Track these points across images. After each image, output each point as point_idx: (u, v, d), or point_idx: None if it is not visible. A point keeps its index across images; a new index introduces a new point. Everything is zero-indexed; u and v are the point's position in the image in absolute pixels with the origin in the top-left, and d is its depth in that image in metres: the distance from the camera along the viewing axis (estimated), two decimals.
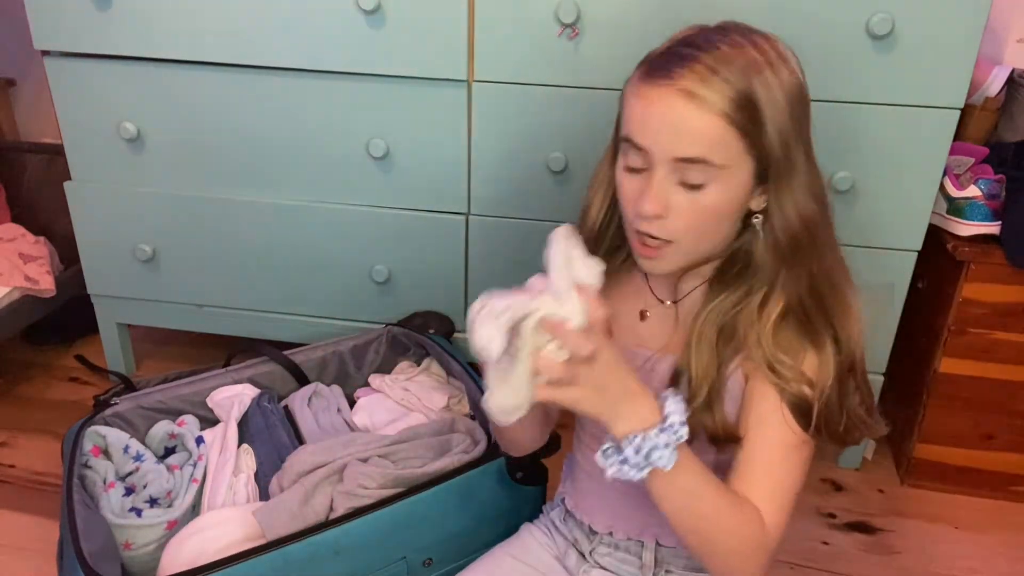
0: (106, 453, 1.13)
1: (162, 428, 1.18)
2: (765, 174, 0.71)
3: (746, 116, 0.67)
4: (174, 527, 1.04)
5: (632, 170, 0.72)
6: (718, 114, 0.67)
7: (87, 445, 1.11)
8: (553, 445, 0.99)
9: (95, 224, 1.46)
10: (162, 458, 1.16)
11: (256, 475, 1.12)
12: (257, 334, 1.50)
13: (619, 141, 0.75)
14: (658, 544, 0.86)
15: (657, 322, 0.81)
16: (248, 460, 1.14)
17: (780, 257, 0.73)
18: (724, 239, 0.75)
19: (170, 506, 1.07)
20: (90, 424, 1.12)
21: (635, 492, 0.84)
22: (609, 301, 0.78)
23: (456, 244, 1.35)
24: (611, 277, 0.82)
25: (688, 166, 0.68)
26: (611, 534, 0.88)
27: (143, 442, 1.17)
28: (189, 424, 1.18)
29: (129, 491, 1.09)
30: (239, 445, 1.16)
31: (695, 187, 0.69)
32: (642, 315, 0.82)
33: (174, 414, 1.20)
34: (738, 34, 0.70)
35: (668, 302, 0.80)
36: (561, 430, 0.93)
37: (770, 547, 0.72)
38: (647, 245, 0.73)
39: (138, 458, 1.13)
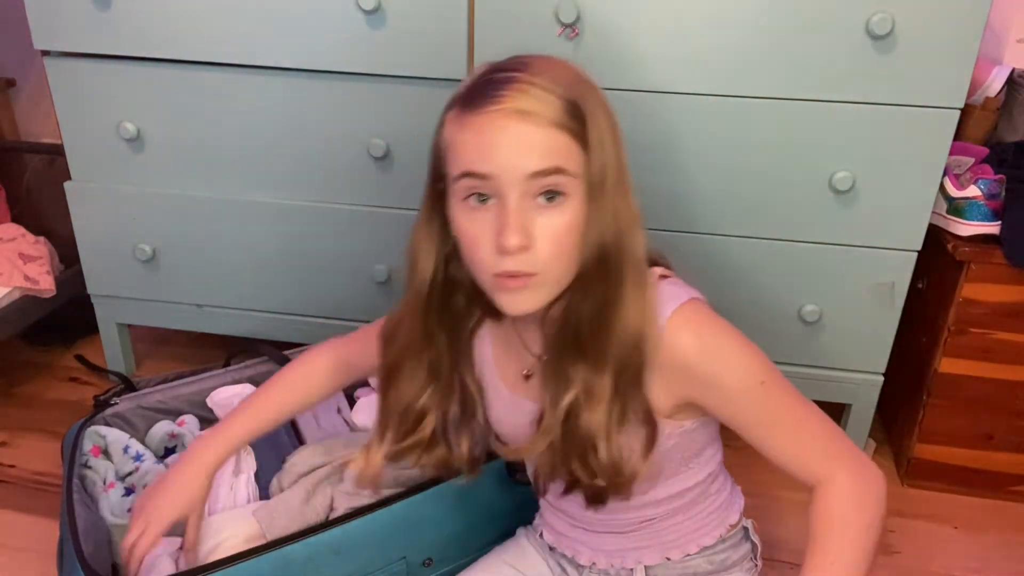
0: (106, 453, 1.13)
1: (162, 428, 1.18)
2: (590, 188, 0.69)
3: (576, 121, 0.66)
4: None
5: (476, 208, 0.68)
6: (552, 124, 0.65)
7: (87, 445, 1.11)
8: None
9: (95, 224, 1.46)
10: (162, 458, 1.16)
11: (256, 475, 1.12)
12: (257, 334, 1.50)
13: (446, 185, 0.71)
14: (646, 566, 0.86)
15: (539, 378, 0.78)
16: (248, 460, 1.14)
17: (594, 270, 0.70)
18: (575, 263, 0.70)
19: None
20: (90, 424, 1.13)
21: (605, 527, 0.85)
22: (501, 366, 0.81)
23: None
24: (497, 337, 0.82)
25: (543, 179, 0.65)
26: (595, 564, 0.88)
27: (143, 442, 1.17)
28: (189, 424, 1.18)
29: (129, 491, 1.10)
30: None
31: (553, 203, 0.66)
32: (526, 376, 0.81)
33: (174, 414, 1.21)
34: (536, 56, 0.70)
35: (545, 357, 0.77)
36: None
37: (867, 486, 0.72)
38: (510, 281, 0.68)
39: (138, 458, 1.13)
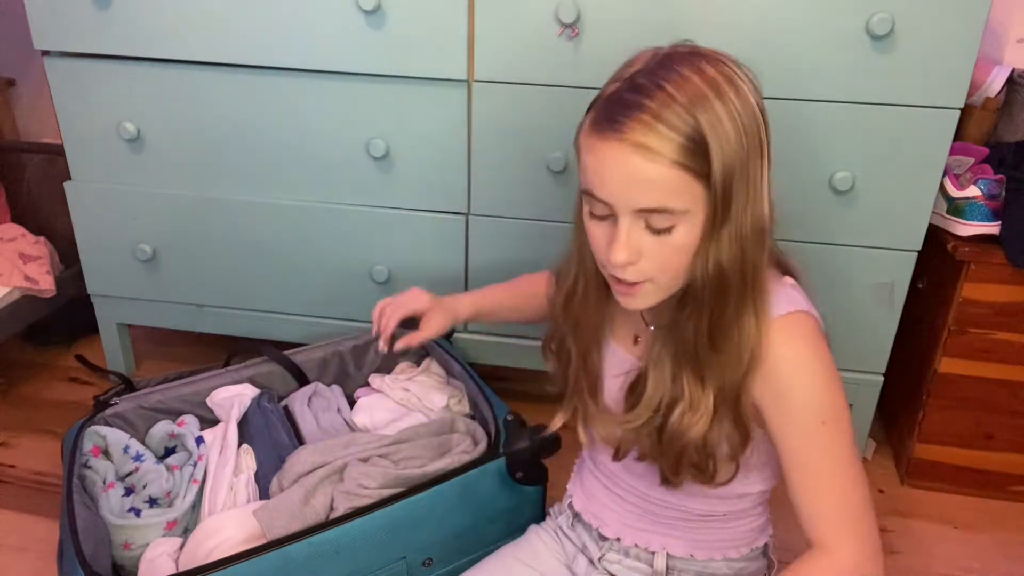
0: (106, 453, 1.13)
1: (162, 428, 1.18)
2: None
3: (698, 158, 0.66)
4: (173, 527, 1.04)
5: (597, 218, 0.72)
6: (671, 164, 0.65)
7: (87, 445, 1.11)
8: (553, 445, 1.00)
9: (95, 224, 1.46)
10: (162, 458, 1.16)
11: (256, 475, 1.12)
12: (257, 334, 1.50)
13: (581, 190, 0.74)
14: (668, 554, 0.86)
15: (645, 344, 0.82)
16: (248, 460, 1.14)
17: (708, 291, 0.72)
18: (686, 274, 0.73)
19: (170, 506, 1.07)
20: (90, 424, 1.13)
21: (643, 502, 0.85)
22: (615, 322, 0.83)
23: (456, 244, 1.35)
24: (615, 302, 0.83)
25: (650, 215, 0.68)
26: (619, 540, 0.88)
27: (143, 442, 1.17)
28: (189, 424, 1.18)
29: (129, 491, 1.10)
30: (239, 445, 1.16)
31: (661, 232, 0.69)
32: (635, 339, 0.83)
33: (174, 414, 1.21)
34: (685, 63, 0.67)
35: (652, 327, 0.81)
36: (564, 431, 0.93)
37: (862, 569, 0.72)
38: (622, 285, 0.73)
39: (138, 458, 1.13)
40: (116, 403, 1.18)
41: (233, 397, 1.21)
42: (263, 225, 1.40)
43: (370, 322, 1.48)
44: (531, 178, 1.27)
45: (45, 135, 1.90)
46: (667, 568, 0.86)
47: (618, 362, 0.84)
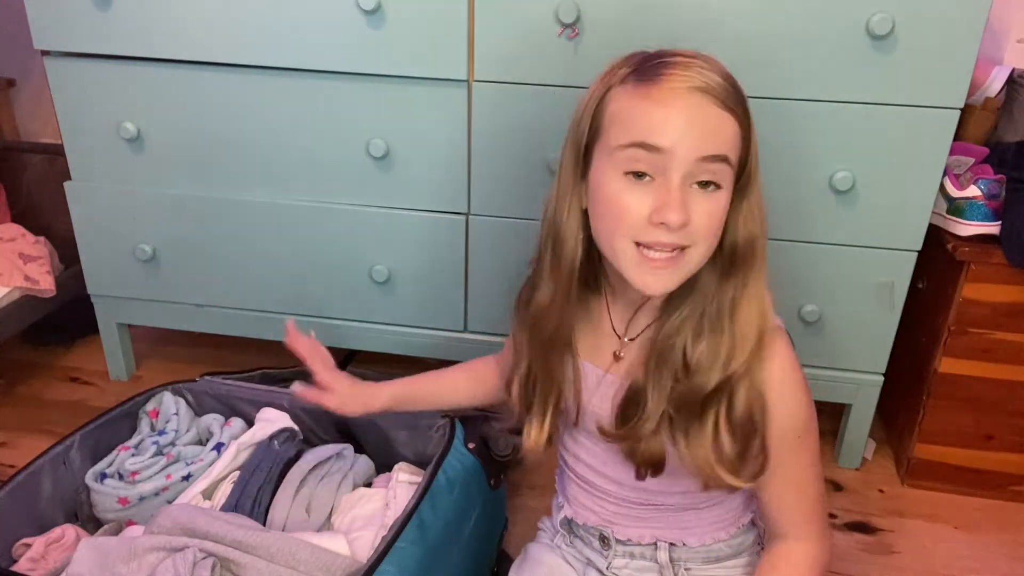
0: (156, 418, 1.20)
1: (209, 420, 1.21)
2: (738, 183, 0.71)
3: (742, 110, 0.68)
4: (126, 504, 1.08)
5: (635, 180, 0.68)
6: (731, 112, 0.67)
7: (153, 405, 1.20)
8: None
9: (95, 224, 1.46)
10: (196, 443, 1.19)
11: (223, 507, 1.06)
12: (257, 334, 1.50)
13: (592, 159, 0.72)
14: (670, 544, 0.87)
15: (628, 358, 0.80)
16: (224, 490, 1.09)
17: (721, 275, 0.72)
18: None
19: (132, 484, 1.09)
20: (171, 387, 1.22)
21: (623, 501, 0.85)
22: (582, 341, 0.82)
23: (456, 244, 1.35)
24: (584, 315, 0.83)
25: (707, 165, 0.66)
26: (617, 538, 0.88)
27: (191, 424, 1.20)
28: (233, 428, 1.19)
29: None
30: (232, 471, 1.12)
31: (707, 191, 0.67)
32: (615, 356, 0.81)
33: (232, 411, 1.23)
34: (686, 51, 0.70)
35: (628, 339, 0.80)
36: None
37: (820, 563, 0.80)
38: (657, 259, 0.68)
39: (161, 433, 1.17)
40: (197, 380, 1.24)
41: (267, 423, 1.17)
42: (263, 225, 1.40)
43: (370, 323, 1.49)
44: (531, 178, 1.26)
45: (45, 135, 1.90)
46: (671, 560, 0.86)
47: (597, 381, 0.82)
